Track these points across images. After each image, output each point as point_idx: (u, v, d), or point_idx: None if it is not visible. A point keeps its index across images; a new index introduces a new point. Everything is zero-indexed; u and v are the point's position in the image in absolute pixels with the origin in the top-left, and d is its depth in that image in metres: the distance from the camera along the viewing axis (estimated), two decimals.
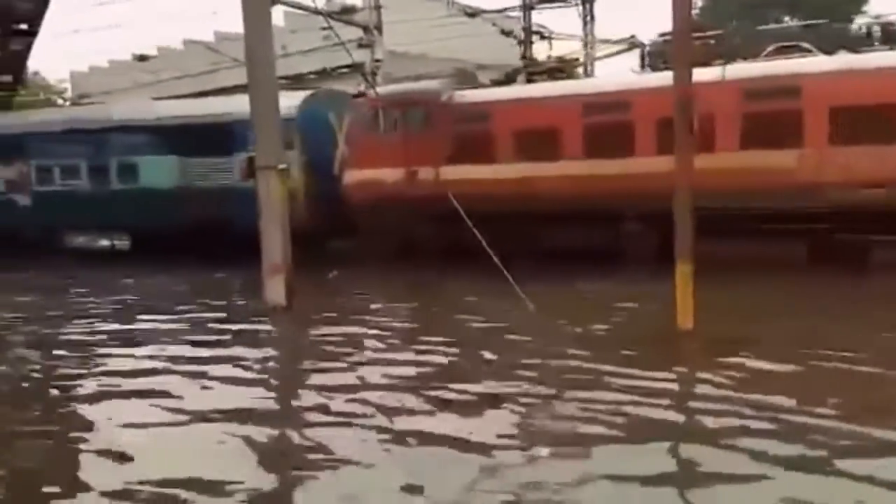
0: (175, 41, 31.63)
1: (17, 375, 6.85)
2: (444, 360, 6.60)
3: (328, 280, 11.25)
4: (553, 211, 10.93)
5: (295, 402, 5.91)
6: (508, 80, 13.80)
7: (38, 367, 7.13)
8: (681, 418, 4.98)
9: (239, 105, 13.15)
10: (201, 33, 29.06)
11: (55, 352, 7.51)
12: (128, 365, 6.78)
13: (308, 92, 13.70)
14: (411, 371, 6.23)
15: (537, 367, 6.19)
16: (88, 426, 5.27)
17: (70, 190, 15.42)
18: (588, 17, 21.54)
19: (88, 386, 6.26)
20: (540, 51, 19.83)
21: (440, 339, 7.34)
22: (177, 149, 14.21)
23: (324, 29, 17.57)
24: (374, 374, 6.13)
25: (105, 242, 18.45)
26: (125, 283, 12.16)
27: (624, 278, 9.43)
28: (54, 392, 6.30)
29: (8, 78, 21.05)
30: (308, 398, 5.76)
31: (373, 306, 9.85)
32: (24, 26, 15.59)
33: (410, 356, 6.87)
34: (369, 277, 11.67)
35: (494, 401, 5.32)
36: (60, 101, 36.52)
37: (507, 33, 20.73)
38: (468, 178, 11.55)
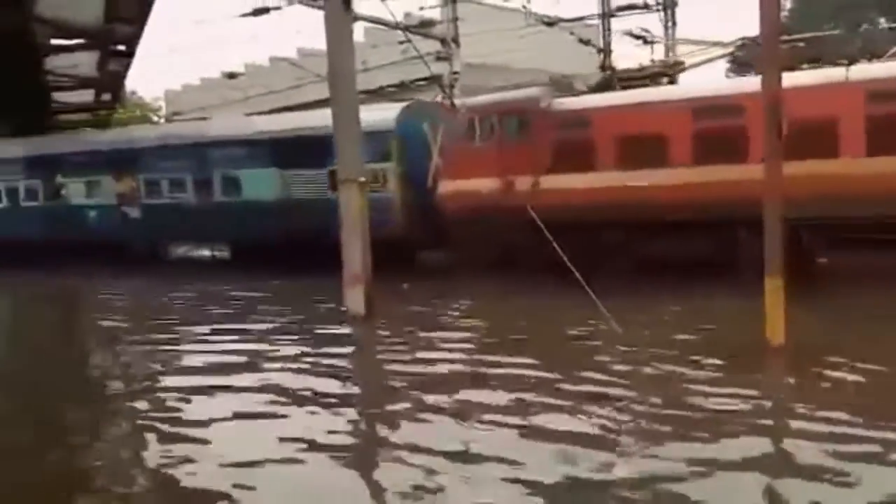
0: (262, 59, 32.88)
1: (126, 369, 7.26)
2: (518, 371, 6.52)
3: (406, 290, 11.30)
4: (656, 220, 10.56)
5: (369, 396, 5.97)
6: (605, 86, 13.48)
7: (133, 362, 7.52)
8: (767, 440, 4.75)
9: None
10: (286, 50, 29.89)
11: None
12: (215, 359, 7.09)
13: (405, 103, 13.87)
14: (492, 376, 6.20)
15: (624, 378, 6.05)
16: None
17: (176, 203, 15.99)
18: (670, 23, 21.07)
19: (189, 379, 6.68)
20: (623, 58, 19.49)
21: (519, 350, 7.26)
22: (276, 161, 14.51)
23: (402, 43, 17.90)
24: (450, 383, 6.13)
25: (205, 253, 19.15)
26: (223, 291, 12.58)
27: (732, 289, 8.96)
28: (147, 382, 6.62)
29: (107, 97, 22.48)
30: (379, 399, 5.82)
31: (455, 317, 9.76)
32: (122, 47, 16.51)
33: (490, 364, 6.82)
34: (461, 288, 11.57)
35: (588, 404, 5.25)
36: (155, 119, 38.66)
37: (585, 42, 20.48)
38: (568, 187, 11.29)
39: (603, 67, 19.29)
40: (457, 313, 10.00)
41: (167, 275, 16.00)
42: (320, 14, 13.03)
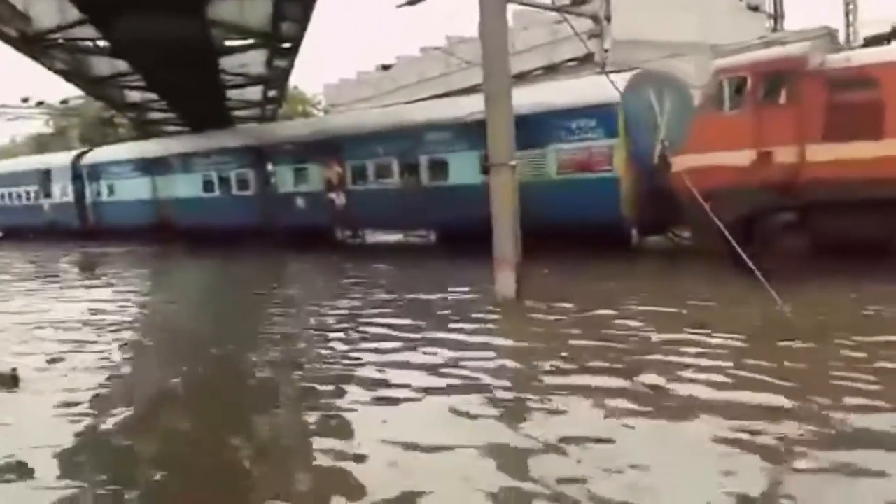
0: (413, 50, 33.77)
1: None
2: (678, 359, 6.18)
3: (546, 275, 10.69)
4: None
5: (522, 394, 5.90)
6: (888, 38, 11.70)
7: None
8: None
9: (550, 95, 13.63)
10: (436, 40, 30.44)
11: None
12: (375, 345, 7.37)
13: (632, 73, 12.95)
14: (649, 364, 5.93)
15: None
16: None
17: (382, 189, 16.07)
18: None
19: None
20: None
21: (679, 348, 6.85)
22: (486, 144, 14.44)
23: (556, 23, 17.58)
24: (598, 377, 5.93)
25: (401, 237, 19.49)
26: (412, 274, 13.02)
27: None
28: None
29: (274, 92, 24.11)
30: (531, 388, 5.74)
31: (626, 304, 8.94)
32: (287, 45, 17.52)
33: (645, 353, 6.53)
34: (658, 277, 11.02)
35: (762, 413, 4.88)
36: (315, 112, 41.00)
37: (753, 8, 19.03)
38: (848, 157, 9.50)
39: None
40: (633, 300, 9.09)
41: (360, 256, 16.91)
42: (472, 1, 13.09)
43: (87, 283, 14.81)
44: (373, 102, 32.67)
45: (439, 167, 14.88)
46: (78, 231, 24.62)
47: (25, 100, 33.01)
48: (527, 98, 13.62)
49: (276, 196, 18.40)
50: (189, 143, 22.22)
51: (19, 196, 27.83)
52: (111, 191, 23.89)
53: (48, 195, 26.29)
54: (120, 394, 6.33)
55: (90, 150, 26.46)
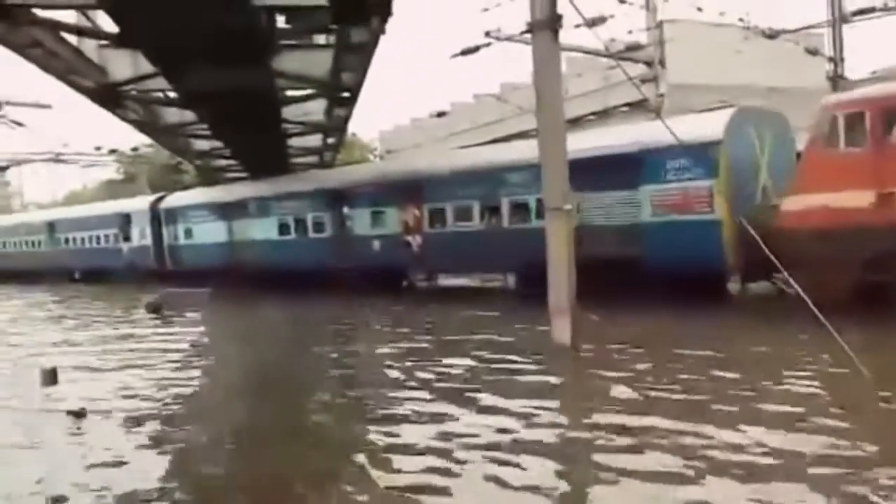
0: (466, 97, 34.37)
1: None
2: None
3: (595, 321, 10.10)
4: None
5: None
6: None
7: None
8: None
9: (642, 134, 12.94)
10: (489, 87, 30.90)
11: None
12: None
13: (732, 108, 12.56)
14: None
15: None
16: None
17: (461, 231, 15.70)
18: None
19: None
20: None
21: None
22: (575, 185, 13.70)
23: (610, 69, 17.65)
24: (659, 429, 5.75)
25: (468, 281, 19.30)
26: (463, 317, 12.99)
27: None
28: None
29: (333, 139, 24.80)
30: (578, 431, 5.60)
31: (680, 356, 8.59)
32: (346, 94, 18.07)
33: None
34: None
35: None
36: (371, 158, 41.94)
37: (813, 52, 18.74)
38: None
39: (833, 78, 17.49)
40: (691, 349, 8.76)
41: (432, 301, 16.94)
42: (523, 48, 13.24)
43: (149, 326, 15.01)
44: (427, 148, 33.24)
45: (521, 209, 14.56)
46: (155, 273, 25.16)
47: (98, 148, 34.82)
48: (615, 137, 13.40)
49: (351, 238, 18.53)
50: (265, 188, 22.62)
51: (98, 239, 28.72)
52: (188, 234, 24.51)
53: (127, 238, 27.16)
54: None
55: (167, 194, 27.34)
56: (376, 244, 17.74)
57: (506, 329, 11.01)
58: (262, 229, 21.37)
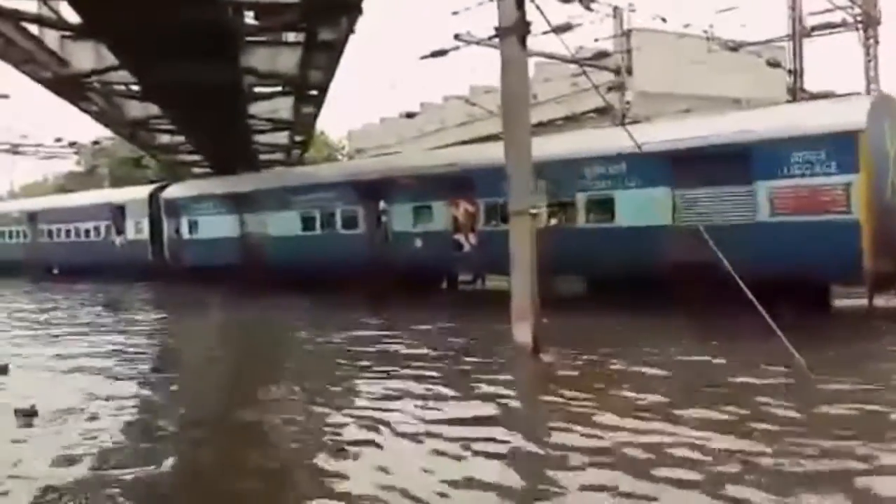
0: (436, 98, 34.46)
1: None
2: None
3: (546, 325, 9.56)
4: None
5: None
6: None
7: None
8: None
9: (769, 121, 11.46)
10: (458, 89, 31.00)
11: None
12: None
13: (873, 95, 11.53)
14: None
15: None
16: None
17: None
18: (872, 41, 19.21)
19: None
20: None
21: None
22: (671, 179, 11.76)
23: (575, 76, 17.83)
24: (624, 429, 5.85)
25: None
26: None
27: None
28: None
29: (300, 137, 24.68)
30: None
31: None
32: (314, 92, 17.99)
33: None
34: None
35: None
36: (339, 157, 41.74)
37: (774, 65, 19.25)
38: None
39: (793, 91, 17.99)
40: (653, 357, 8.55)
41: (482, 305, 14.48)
42: (492, 52, 13.35)
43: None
44: (395, 148, 33.21)
45: (601, 206, 12.91)
46: (152, 270, 23.08)
47: (59, 140, 34.00)
48: (724, 126, 11.86)
49: (388, 235, 16.53)
50: (286, 178, 21.16)
51: (86, 232, 26.09)
52: (192, 228, 22.17)
53: (120, 231, 24.80)
54: None
55: (168, 184, 24.92)
56: (418, 242, 15.78)
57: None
58: (281, 224, 18.98)
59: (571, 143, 14.16)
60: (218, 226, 21.12)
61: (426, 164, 16.79)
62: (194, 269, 21.38)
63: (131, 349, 11.04)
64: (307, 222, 18.27)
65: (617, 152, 12.14)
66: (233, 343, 12.40)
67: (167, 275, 22.24)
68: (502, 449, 5.49)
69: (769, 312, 7.51)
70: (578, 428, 5.82)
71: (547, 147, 13.79)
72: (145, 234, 23.83)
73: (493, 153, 14.63)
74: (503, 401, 7.00)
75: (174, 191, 23.70)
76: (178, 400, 7.79)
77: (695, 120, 13.67)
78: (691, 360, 8.38)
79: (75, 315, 15.95)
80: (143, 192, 24.81)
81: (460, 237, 15.09)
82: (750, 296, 7.79)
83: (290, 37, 15.24)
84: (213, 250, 20.89)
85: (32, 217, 28.98)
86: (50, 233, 27.82)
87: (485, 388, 7.46)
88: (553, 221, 13.57)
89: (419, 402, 6.91)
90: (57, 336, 12.66)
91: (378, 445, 5.61)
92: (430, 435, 5.81)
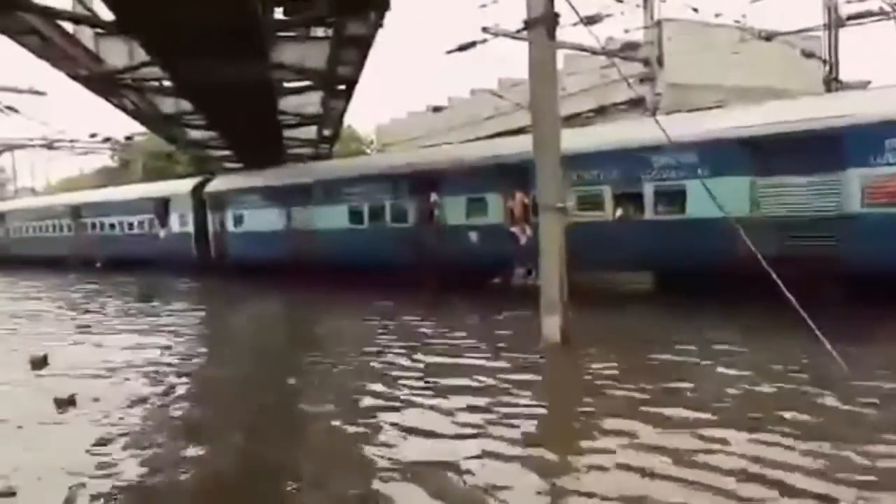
0: (464, 91, 34.36)
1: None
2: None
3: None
4: None
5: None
6: None
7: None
8: None
9: (855, 106, 10.86)
10: (487, 82, 30.82)
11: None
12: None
13: None
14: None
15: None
16: None
17: (587, 223, 12.86)
18: None
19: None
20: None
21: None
22: (749, 167, 11.16)
23: (604, 68, 17.59)
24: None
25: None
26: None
27: None
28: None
29: (328, 132, 24.78)
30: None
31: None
32: (342, 87, 18.04)
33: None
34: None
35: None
36: (367, 151, 41.87)
37: (808, 55, 18.81)
38: None
39: (828, 81, 17.57)
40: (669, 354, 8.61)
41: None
42: (520, 45, 13.27)
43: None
44: (423, 142, 33.21)
45: (673, 196, 12.22)
46: (197, 264, 23.22)
47: (93, 135, 34.60)
48: (812, 109, 11.19)
49: (440, 229, 16.08)
50: (333, 170, 20.94)
51: (131, 225, 26.42)
52: (237, 221, 22.14)
53: (164, 225, 24.98)
54: None
55: (212, 177, 24.93)
56: (473, 236, 15.32)
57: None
58: (329, 217, 18.80)
59: (636, 131, 13.30)
60: (263, 219, 21.01)
61: (480, 154, 16.28)
62: (239, 262, 21.41)
63: (180, 339, 11.35)
64: (355, 215, 18.04)
65: (690, 140, 11.57)
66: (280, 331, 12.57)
67: (211, 269, 22.41)
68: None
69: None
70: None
71: (609, 136, 13.36)
72: (190, 227, 23.87)
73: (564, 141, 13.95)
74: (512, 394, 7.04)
75: (219, 184, 23.69)
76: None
77: (776, 104, 12.83)
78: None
79: (118, 307, 16.45)
80: (187, 185, 24.86)
81: (516, 230, 14.56)
82: (788, 294, 7.42)
83: (319, 32, 15.29)
84: (259, 244, 20.84)
85: (76, 211, 29.36)
86: (94, 226, 28.15)
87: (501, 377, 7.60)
88: (619, 214, 13.05)
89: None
90: (98, 327, 13.06)
91: None
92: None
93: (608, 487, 4.61)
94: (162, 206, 25.10)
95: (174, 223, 24.63)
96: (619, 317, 11.19)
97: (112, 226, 27.28)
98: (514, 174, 14.05)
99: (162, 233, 25.01)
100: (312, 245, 19.04)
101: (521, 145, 15.06)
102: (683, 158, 11.67)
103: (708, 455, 5.05)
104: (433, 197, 16.34)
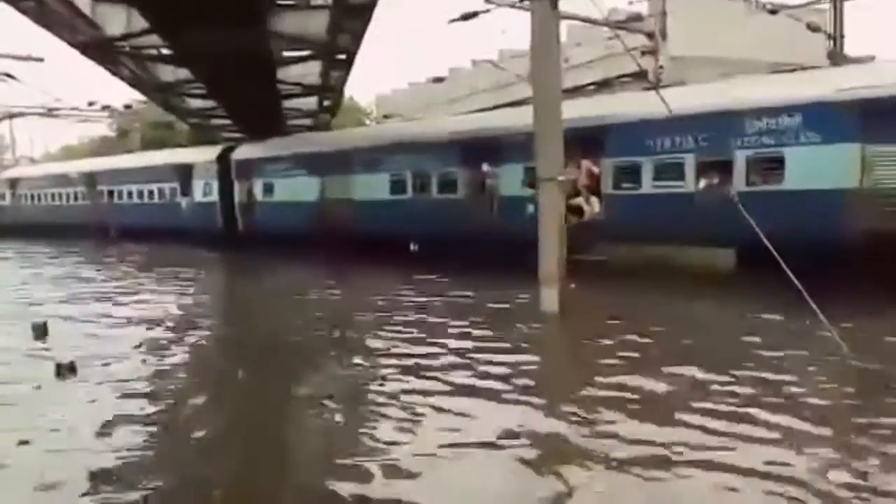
0: (465, 62, 34.09)
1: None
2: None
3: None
4: None
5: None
6: None
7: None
8: None
9: None
10: (488, 53, 30.56)
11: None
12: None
13: None
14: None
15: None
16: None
17: (662, 194, 12.09)
18: None
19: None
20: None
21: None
22: (861, 134, 9.95)
23: (610, 39, 17.35)
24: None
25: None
26: None
27: None
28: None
29: (328, 102, 24.62)
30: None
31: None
32: (342, 57, 17.87)
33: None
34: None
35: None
36: (367, 122, 41.65)
37: (814, 28, 18.61)
38: None
39: (833, 55, 17.40)
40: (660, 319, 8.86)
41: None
42: (524, 15, 13.12)
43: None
44: (424, 113, 33.04)
45: (767, 166, 11.07)
46: (220, 235, 22.16)
47: (92, 103, 34.33)
48: (882, 74, 10.27)
49: (494, 200, 14.88)
50: (372, 136, 20.00)
51: (150, 194, 25.28)
52: (267, 191, 21.01)
53: (186, 194, 23.86)
54: None
55: (239, 144, 23.58)
56: (530, 207, 12.91)
57: None
58: (368, 187, 17.61)
59: (727, 93, 12.23)
60: (296, 189, 19.89)
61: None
62: (269, 234, 20.18)
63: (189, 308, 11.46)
64: (397, 185, 16.93)
65: (792, 102, 10.66)
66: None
67: (239, 241, 21.26)
68: None
69: None
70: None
71: (694, 99, 11.96)
72: (215, 196, 22.77)
73: (627, 107, 12.93)
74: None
75: (247, 151, 22.52)
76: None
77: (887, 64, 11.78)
78: None
79: (130, 277, 16.36)
80: (211, 152, 23.80)
81: (581, 201, 13.21)
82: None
83: (319, 0, 15.12)
84: (290, 216, 19.70)
85: (91, 178, 28.36)
86: (111, 194, 27.05)
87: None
88: (701, 184, 11.83)
89: None
90: (106, 294, 13.12)
91: None
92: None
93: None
94: (184, 174, 23.93)
95: (198, 192, 23.46)
96: (667, 303, 9.75)
97: (130, 194, 26.18)
98: (580, 141, 12.39)
99: (183, 202, 24.01)
100: (349, 217, 18.03)
101: (593, 109, 13.86)
102: (783, 123, 10.64)
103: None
104: (485, 167, 15.26)
